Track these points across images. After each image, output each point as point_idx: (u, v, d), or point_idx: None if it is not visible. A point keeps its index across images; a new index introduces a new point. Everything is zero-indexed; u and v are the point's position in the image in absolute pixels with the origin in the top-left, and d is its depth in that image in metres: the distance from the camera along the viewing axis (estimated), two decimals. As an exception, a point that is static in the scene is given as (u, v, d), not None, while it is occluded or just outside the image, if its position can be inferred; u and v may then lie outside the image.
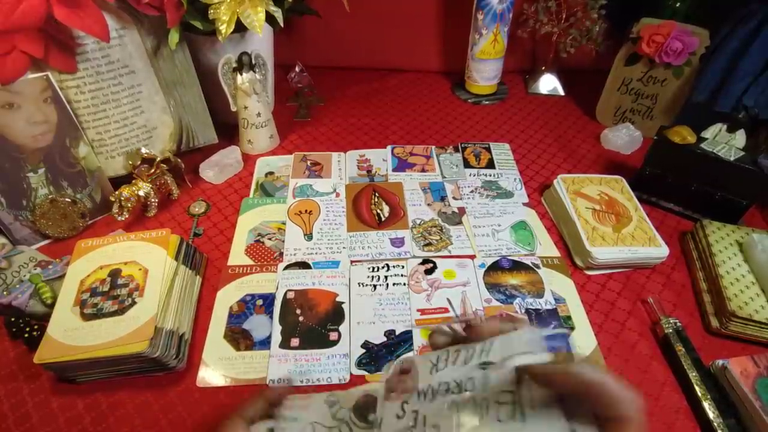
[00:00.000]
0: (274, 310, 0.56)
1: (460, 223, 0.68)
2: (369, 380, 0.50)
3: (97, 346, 0.45)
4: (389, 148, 0.81)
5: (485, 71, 0.91)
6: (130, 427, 0.46)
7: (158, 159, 0.67)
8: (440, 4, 0.93)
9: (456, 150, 0.81)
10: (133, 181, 0.65)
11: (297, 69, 0.96)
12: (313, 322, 0.55)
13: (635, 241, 0.60)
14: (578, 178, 0.69)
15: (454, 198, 0.72)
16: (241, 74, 0.72)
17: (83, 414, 0.47)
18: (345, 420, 0.29)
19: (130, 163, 0.66)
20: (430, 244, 0.64)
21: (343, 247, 0.64)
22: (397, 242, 0.64)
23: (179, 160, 0.69)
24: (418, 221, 0.68)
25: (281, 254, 0.62)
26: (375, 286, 0.59)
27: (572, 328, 0.54)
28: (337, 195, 0.72)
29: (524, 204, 0.71)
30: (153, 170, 0.66)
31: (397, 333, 0.54)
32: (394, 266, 0.61)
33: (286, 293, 0.57)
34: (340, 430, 0.29)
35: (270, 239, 0.65)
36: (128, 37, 0.62)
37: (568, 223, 0.64)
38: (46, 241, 0.63)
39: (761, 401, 0.44)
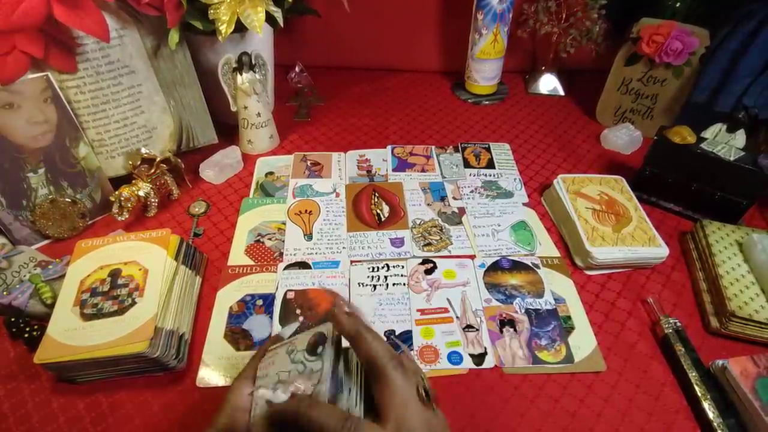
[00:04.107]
0: (274, 310, 0.56)
1: (460, 223, 0.68)
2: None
3: (97, 346, 0.45)
4: (389, 148, 0.81)
5: (485, 71, 0.91)
6: (130, 427, 0.46)
7: (158, 159, 0.67)
8: (440, 4, 0.93)
9: (456, 150, 0.81)
10: (133, 181, 0.65)
11: (297, 69, 0.96)
12: (313, 322, 0.55)
13: (635, 241, 0.60)
14: (578, 178, 0.69)
15: (454, 198, 0.72)
16: (241, 74, 0.72)
17: (83, 414, 0.47)
18: (300, 360, 0.34)
19: (130, 163, 0.66)
20: (430, 244, 0.64)
21: (343, 247, 0.64)
22: (397, 242, 0.64)
23: (179, 160, 0.69)
24: (418, 221, 0.68)
25: (281, 254, 0.62)
26: (375, 286, 0.59)
27: (572, 328, 0.54)
28: (337, 195, 0.72)
29: (524, 204, 0.71)
30: (153, 170, 0.66)
31: (397, 333, 0.54)
32: (394, 266, 0.61)
33: (286, 293, 0.57)
34: (297, 370, 0.33)
35: (270, 239, 0.65)
36: (128, 37, 0.62)
37: (568, 223, 0.64)
38: (46, 241, 0.63)
39: (761, 401, 0.44)
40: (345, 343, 0.35)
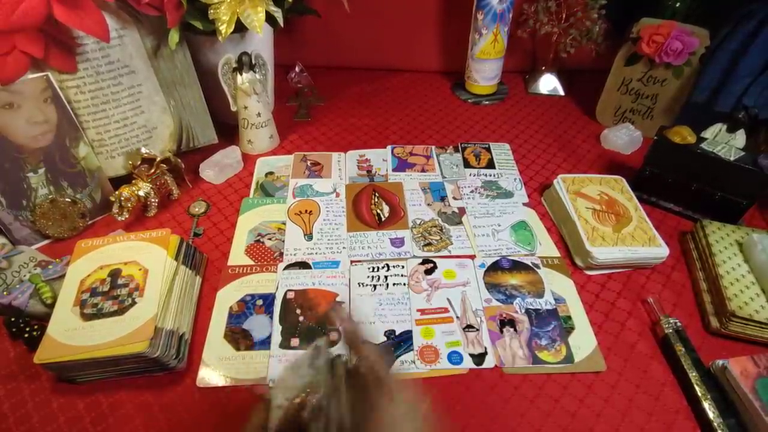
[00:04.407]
0: (274, 310, 0.56)
1: (460, 223, 0.68)
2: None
3: (97, 346, 0.45)
4: (389, 148, 0.81)
5: (485, 71, 0.91)
6: (130, 427, 0.46)
7: (158, 159, 0.67)
8: (440, 4, 0.93)
9: (456, 150, 0.81)
10: (133, 181, 0.65)
11: (297, 69, 0.96)
12: (313, 322, 0.55)
13: (635, 241, 0.60)
14: (578, 178, 0.69)
15: (454, 198, 0.72)
16: (241, 74, 0.72)
17: (83, 414, 0.47)
18: (304, 375, 0.35)
19: (130, 163, 0.66)
20: (430, 244, 0.64)
21: (343, 247, 0.64)
22: (397, 242, 0.64)
23: (179, 160, 0.69)
24: (418, 221, 0.68)
25: (281, 254, 0.62)
26: (375, 286, 0.59)
27: (572, 328, 0.54)
28: (337, 195, 0.72)
29: (524, 204, 0.71)
30: (153, 170, 0.66)
31: (397, 333, 0.54)
32: (394, 266, 0.61)
33: (286, 293, 0.57)
34: (302, 383, 0.35)
35: (270, 239, 0.65)
36: (128, 37, 0.62)
37: (568, 223, 0.64)
38: (46, 241, 0.63)
39: (761, 401, 0.44)
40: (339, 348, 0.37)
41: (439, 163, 0.78)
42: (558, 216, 0.68)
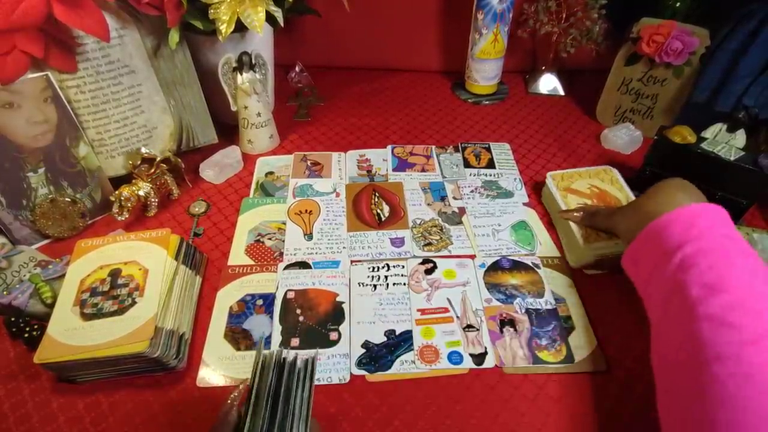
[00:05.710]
0: (274, 310, 0.56)
1: (460, 222, 0.68)
2: (369, 380, 0.50)
3: (97, 346, 0.45)
4: (389, 147, 0.81)
5: (485, 71, 0.91)
6: (130, 427, 0.46)
7: (158, 159, 0.67)
8: (440, 4, 0.93)
9: (456, 150, 0.81)
10: (133, 181, 0.65)
11: (297, 69, 0.96)
12: (313, 322, 0.55)
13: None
14: (567, 173, 0.68)
15: (454, 198, 0.72)
16: (241, 74, 0.72)
17: (83, 414, 0.47)
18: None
19: (130, 162, 0.66)
20: (430, 243, 0.64)
21: (343, 247, 0.64)
22: (397, 242, 0.64)
23: (179, 159, 0.69)
24: (418, 221, 0.68)
25: (281, 254, 0.62)
26: (375, 285, 0.59)
27: (573, 328, 0.54)
28: (337, 195, 0.72)
29: (524, 204, 0.71)
30: (153, 170, 0.66)
31: (397, 333, 0.54)
32: (394, 266, 0.61)
33: (286, 293, 0.57)
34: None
35: (270, 239, 0.65)
36: (128, 36, 0.62)
37: (562, 220, 0.64)
38: (46, 241, 0.63)
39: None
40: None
41: (439, 162, 0.78)
42: (553, 214, 0.68)
